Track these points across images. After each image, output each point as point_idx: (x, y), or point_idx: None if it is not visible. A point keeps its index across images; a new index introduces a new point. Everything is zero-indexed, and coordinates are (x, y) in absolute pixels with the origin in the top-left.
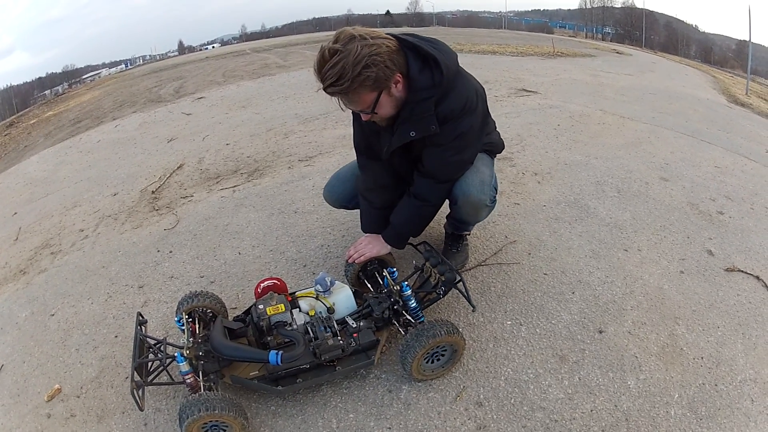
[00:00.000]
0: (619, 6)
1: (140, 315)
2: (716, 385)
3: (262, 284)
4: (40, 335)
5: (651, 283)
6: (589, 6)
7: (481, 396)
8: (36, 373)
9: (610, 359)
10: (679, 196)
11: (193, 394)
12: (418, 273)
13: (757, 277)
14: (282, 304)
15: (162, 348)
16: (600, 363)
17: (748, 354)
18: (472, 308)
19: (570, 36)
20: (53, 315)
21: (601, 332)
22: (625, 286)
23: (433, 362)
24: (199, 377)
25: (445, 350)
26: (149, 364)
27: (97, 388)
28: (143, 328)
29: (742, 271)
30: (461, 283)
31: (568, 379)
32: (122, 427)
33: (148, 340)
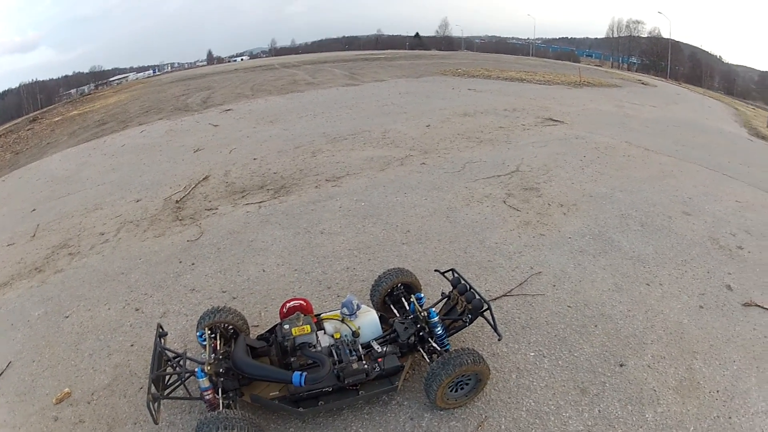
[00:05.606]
0: (646, 36)
1: (160, 327)
2: (730, 417)
3: (288, 304)
4: (53, 336)
5: (671, 318)
6: (616, 35)
7: (503, 426)
8: (45, 374)
9: (630, 392)
10: (700, 231)
11: (211, 411)
12: (445, 300)
13: None
14: (308, 326)
15: (181, 362)
16: (620, 396)
17: (762, 387)
18: (498, 337)
19: (596, 65)
20: (67, 317)
21: (621, 365)
22: (646, 320)
23: (457, 391)
24: (218, 394)
25: (470, 379)
26: (167, 377)
27: (109, 396)
28: (163, 340)
29: (760, 306)
30: (489, 311)
31: (588, 411)
32: None
33: (168, 352)
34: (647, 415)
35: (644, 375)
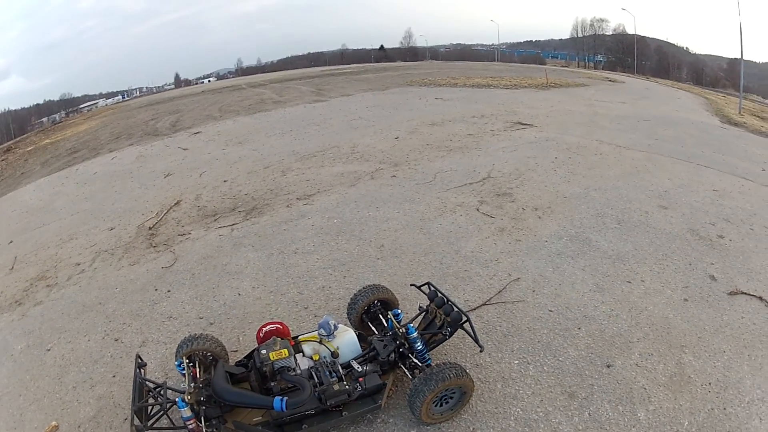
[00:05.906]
0: (611, 33)
1: (139, 357)
2: (725, 408)
3: (264, 329)
4: (36, 370)
5: (656, 314)
6: (580, 35)
7: None
8: (32, 407)
9: (620, 393)
10: (679, 223)
11: None
12: (423, 314)
13: (760, 298)
14: (285, 349)
15: (162, 392)
16: (609, 397)
17: (755, 375)
18: (480, 349)
19: (562, 66)
20: (49, 350)
21: (609, 366)
22: (630, 318)
23: (442, 405)
24: (201, 423)
25: (454, 393)
26: (149, 407)
27: (95, 428)
28: (143, 370)
29: (745, 293)
30: (468, 323)
31: (578, 415)
32: None
33: (148, 383)
34: (639, 414)
35: (633, 374)
